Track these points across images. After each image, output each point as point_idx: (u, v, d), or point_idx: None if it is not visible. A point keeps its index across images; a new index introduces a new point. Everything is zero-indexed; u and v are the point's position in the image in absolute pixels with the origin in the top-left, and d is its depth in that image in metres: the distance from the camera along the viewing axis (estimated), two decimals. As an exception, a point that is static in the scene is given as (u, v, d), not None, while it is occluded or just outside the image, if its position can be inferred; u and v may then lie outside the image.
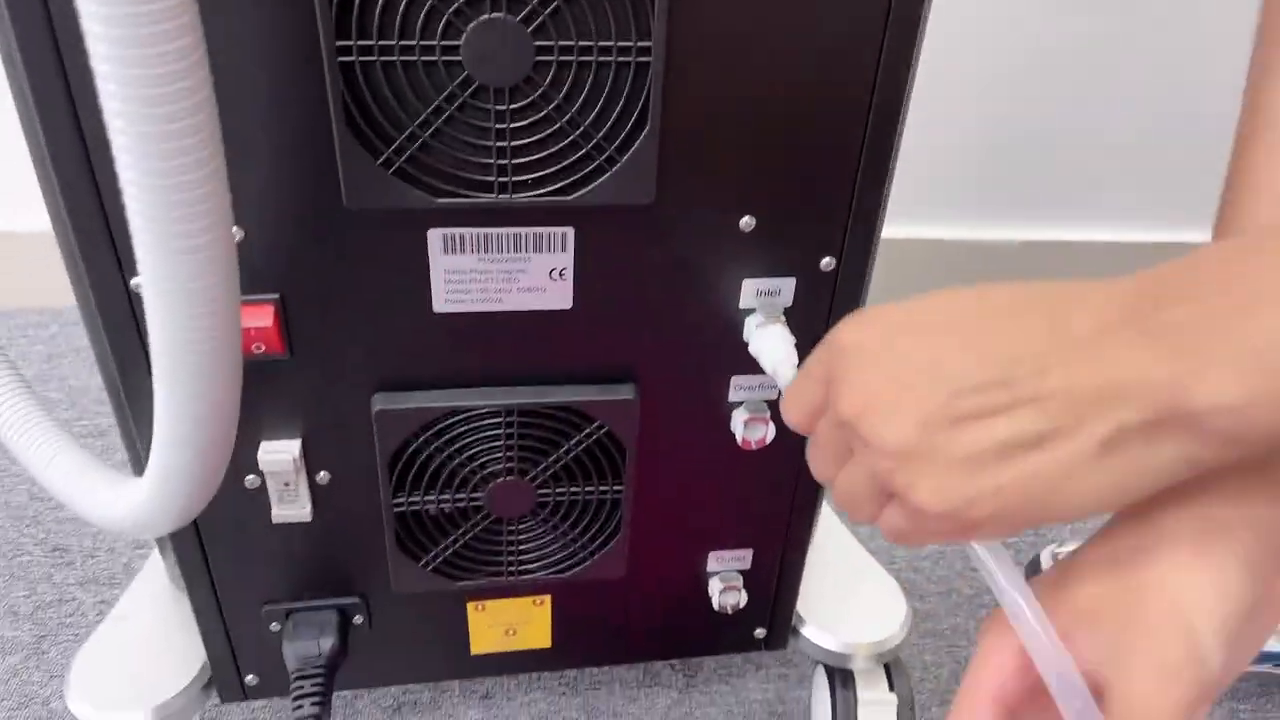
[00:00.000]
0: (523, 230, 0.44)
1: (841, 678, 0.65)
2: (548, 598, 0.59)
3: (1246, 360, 0.26)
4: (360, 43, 0.38)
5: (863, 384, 0.32)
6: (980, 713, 0.34)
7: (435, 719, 0.71)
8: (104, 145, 0.32)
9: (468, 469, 0.51)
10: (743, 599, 0.60)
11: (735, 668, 0.76)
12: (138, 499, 0.45)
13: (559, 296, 0.46)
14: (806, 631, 0.64)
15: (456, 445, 0.50)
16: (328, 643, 0.55)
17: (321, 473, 0.51)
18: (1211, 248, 0.29)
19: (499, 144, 0.41)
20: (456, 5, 0.38)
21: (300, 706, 0.52)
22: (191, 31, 0.30)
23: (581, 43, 0.39)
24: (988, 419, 0.29)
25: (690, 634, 0.63)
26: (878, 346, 0.33)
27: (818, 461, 0.37)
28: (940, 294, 0.33)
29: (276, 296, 0.44)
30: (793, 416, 0.37)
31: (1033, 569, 0.80)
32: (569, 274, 0.46)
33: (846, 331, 0.34)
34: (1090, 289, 0.30)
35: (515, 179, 0.42)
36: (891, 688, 0.65)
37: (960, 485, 0.30)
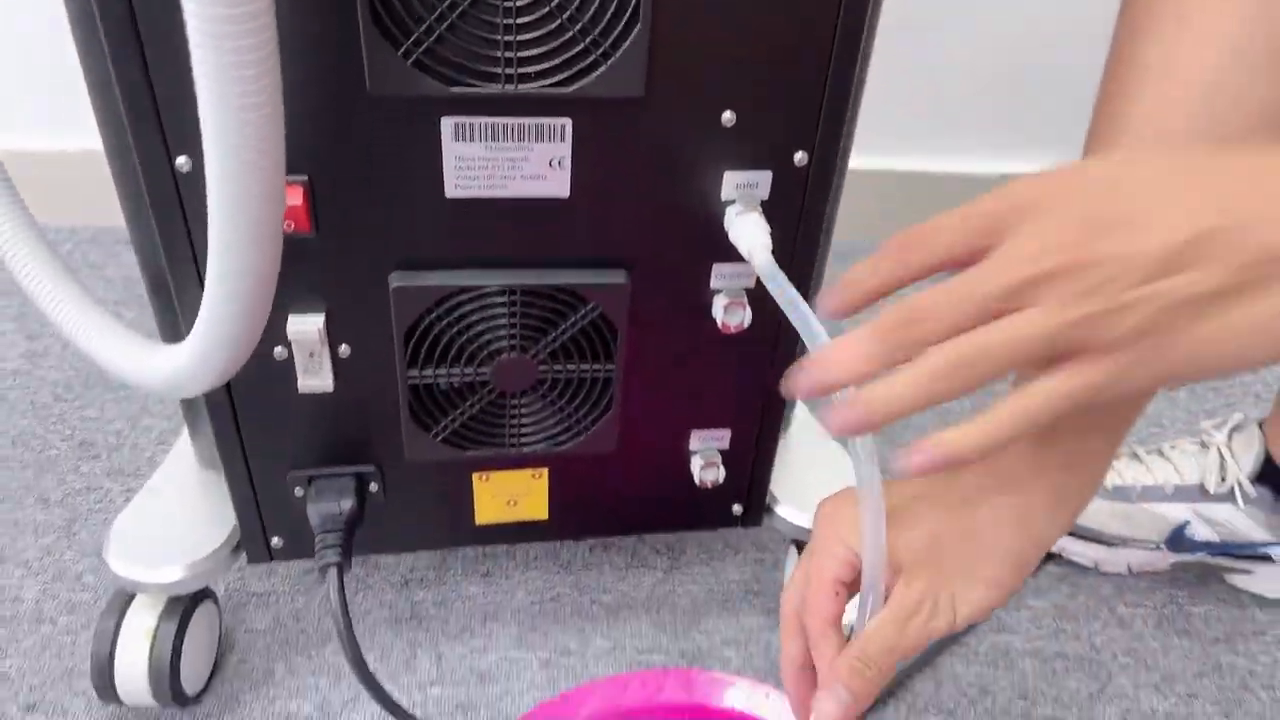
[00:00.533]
0: (525, 120, 0.49)
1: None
2: (545, 471, 0.65)
3: None
4: (384, -58, 0.43)
5: (1077, 218, 0.29)
6: (826, 590, 0.45)
7: (440, 593, 0.77)
8: (154, 20, 0.36)
9: (475, 345, 0.56)
10: (721, 475, 0.66)
11: (715, 552, 0.82)
12: (181, 360, 0.51)
13: (558, 185, 0.52)
14: (780, 510, 0.71)
15: (465, 322, 0.55)
16: (347, 504, 0.61)
17: (343, 346, 0.56)
18: None
19: (505, 38, 0.46)
20: (470, -92, 0.42)
21: (324, 555, 0.58)
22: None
23: (581, -54, 0.44)
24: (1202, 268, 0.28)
25: (673, 509, 0.70)
26: (1079, 195, 0.30)
27: (914, 330, 0.32)
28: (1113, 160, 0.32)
29: (305, 178, 0.49)
30: (923, 256, 0.33)
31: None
32: (567, 163, 0.51)
33: (1026, 186, 0.31)
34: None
35: (520, 70, 0.47)
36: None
37: (1172, 322, 0.29)
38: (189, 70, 0.38)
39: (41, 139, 1.11)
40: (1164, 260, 0.29)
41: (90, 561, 0.78)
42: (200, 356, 0.49)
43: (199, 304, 0.48)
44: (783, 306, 0.46)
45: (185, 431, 0.72)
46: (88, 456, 0.87)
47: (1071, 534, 0.81)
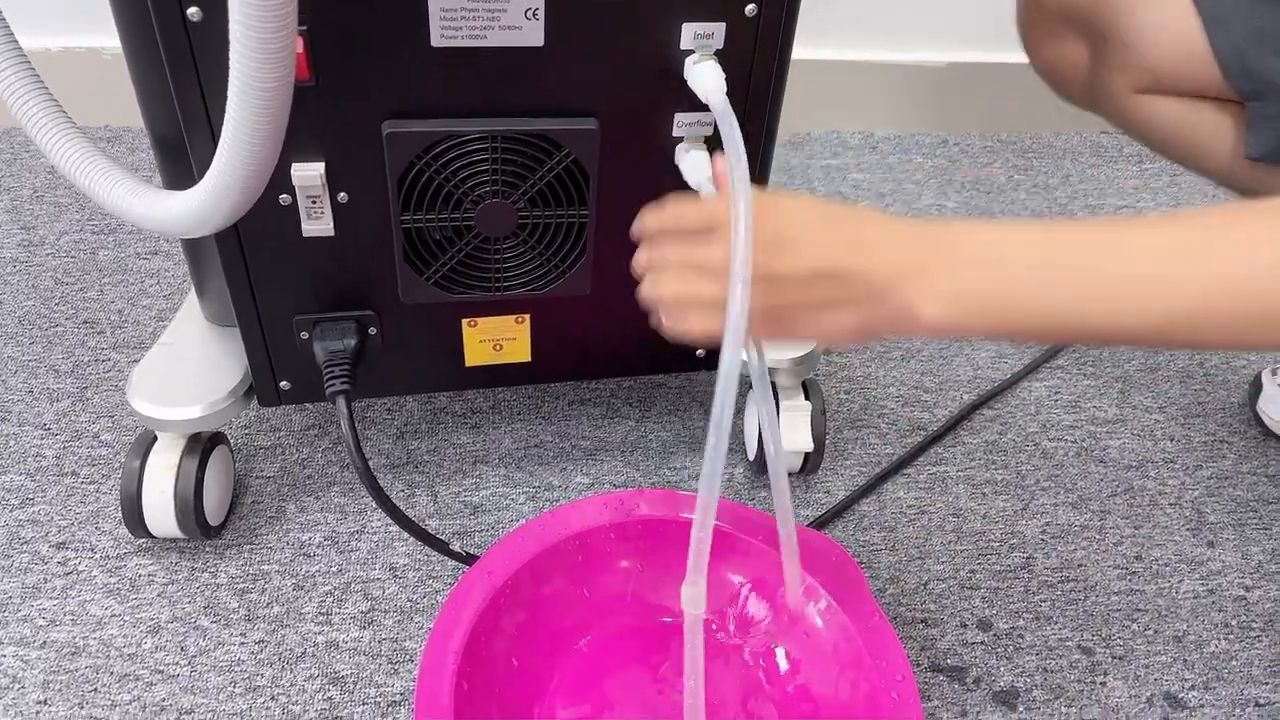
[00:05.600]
0: (504, -27, 0.55)
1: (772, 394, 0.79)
2: (527, 316, 0.72)
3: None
4: None
5: (765, 237, 0.47)
6: None
7: (432, 442, 0.85)
8: None
9: (461, 190, 0.62)
10: (686, 317, 0.73)
11: (682, 404, 0.90)
12: (195, 201, 0.56)
13: (533, 34, 0.57)
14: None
15: (452, 168, 0.61)
16: (350, 343, 0.67)
17: (341, 193, 0.62)
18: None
19: (484, -107, 0.51)
20: None
21: (333, 385, 0.65)
22: None
23: None
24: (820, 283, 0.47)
25: (644, 353, 0.77)
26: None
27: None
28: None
29: (305, 28, 0.54)
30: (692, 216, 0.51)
31: (1255, 387, 0.93)
32: (541, 14, 0.57)
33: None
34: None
35: (498, -76, 0.52)
36: (807, 398, 0.80)
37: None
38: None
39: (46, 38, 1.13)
40: (803, 277, 0.47)
41: (105, 422, 0.84)
42: (218, 194, 0.55)
43: (208, 151, 0.54)
44: (725, 146, 0.52)
45: (191, 294, 0.78)
46: (93, 332, 0.93)
47: None
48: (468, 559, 0.71)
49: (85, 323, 0.94)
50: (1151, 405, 0.94)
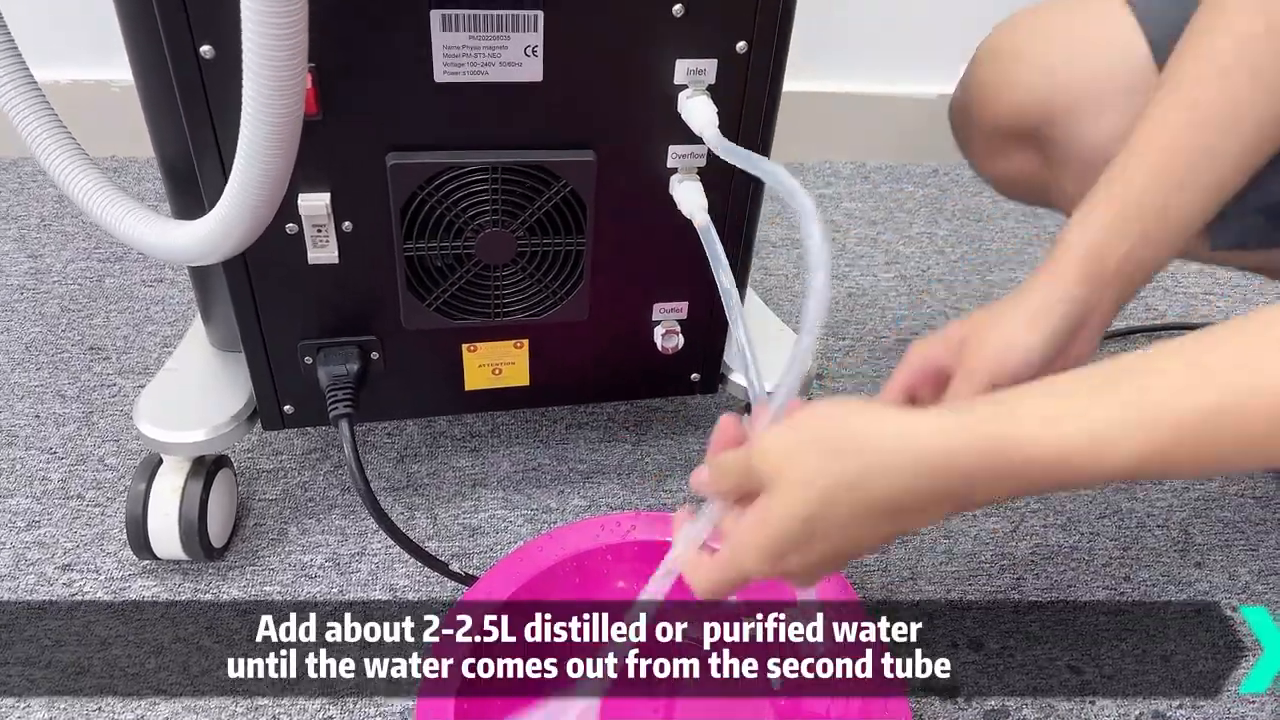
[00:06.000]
0: (503, 13, 0.57)
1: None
2: (526, 341, 0.74)
3: None
4: None
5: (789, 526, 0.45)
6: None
7: (432, 466, 0.86)
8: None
9: (462, 219, 0.64)
10: (680, 342, 0.75)
11: (678, 427, 0.92)
12: (204, 231, 0.58)
13: (532, 70, 0.60)
14: (733, 377, 0.80)
15: (454, 198, 0.63)
16: (353, 368, 0.69)
17: (346, 223, 0.64)
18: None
19: (486, -63, 0.53)
20: None
21: (335, 408, 0.67)
22: None
23: None
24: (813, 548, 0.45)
25: (639, 377, 0.79)
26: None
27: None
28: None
29: (313, 65, 0.57)
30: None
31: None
32: (540, 51, 0.59)
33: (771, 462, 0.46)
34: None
35: (499, -34, 0.54)
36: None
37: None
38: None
39: (56, 70, 1.16)
40: (814, 568, 0.46)
41: (110, 446, 0.85)
42: (228, 223, 0.57)
43: (218, 181, 0.56)
44: (738, 164, 0.55)
45: (196, 320, 0.79)
46: (99, 358, 0.94)
47: None
48: (467, 579, 0.72)
49: (91, 349, 0.95)
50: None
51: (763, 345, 0.83)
